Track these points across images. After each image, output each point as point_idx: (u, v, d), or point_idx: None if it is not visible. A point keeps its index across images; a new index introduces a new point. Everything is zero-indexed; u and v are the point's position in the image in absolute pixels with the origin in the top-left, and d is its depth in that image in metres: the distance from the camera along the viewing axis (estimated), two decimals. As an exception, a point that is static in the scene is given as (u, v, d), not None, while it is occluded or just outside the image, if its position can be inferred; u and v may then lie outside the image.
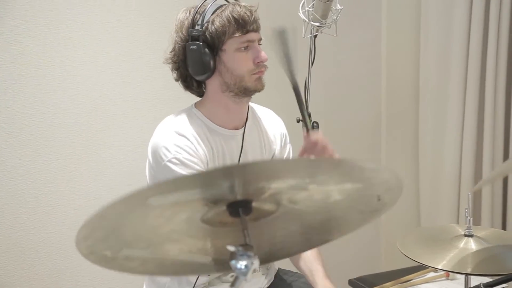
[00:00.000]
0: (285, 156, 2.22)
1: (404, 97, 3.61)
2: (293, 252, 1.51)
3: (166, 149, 1.88)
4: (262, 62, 1.95)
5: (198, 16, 1.90)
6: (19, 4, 2.43)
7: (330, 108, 3.37)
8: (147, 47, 2.71)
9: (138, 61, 2.71)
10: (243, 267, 1.18)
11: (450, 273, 2.43)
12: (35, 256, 2.55)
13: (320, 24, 2.27)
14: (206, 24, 1.88)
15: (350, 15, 3.35)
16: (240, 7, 1.91)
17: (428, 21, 3.35)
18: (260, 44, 1.98)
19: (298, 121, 2.50)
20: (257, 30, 1.95)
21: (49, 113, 2.53)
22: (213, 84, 1.97)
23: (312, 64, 2.45)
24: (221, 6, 1.92)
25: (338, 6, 2.27)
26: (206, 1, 1.93)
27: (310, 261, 2.10)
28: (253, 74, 1.95)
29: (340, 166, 1.22)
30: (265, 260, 1.46)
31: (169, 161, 1.86)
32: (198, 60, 1.89)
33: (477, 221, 3.17)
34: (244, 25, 1.90)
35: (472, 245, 1.92)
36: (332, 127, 3.33)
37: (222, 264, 1.27)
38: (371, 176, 1.25)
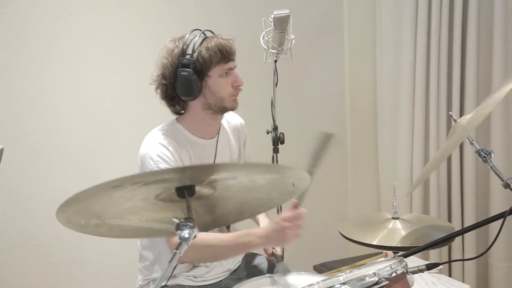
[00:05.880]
0: (245, 155, 2.36)
1: (365, 115, 3.69)
2: (230, 221, 1.62)
3: (151, 158, 1.97)
4: (239, 86, 2.08)
5: (186, 46, 1.98)
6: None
7: (300, 124, 3.45)
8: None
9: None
10: (186, 235, 1.32)
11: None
12: (50, 248, 2.66)
13: (277, 51, 2.39)
14: (194, 54, 1.97)
15: (317, 44, 3.50)
16: (223, 40, 2.02)
17: (383, 54, 3.46)
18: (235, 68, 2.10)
19: (267, 133, 2.62)
20: (234, 59, 2.07)
21: (61, 133, 2.68)
22: (196, 103, 2.05)
23: (276, 85, 2.56)
24: (206, 38, 2.01)
25: (292, 36, 2.39)
26: (192, 33, 2.02)
27: None
28: (232, 96, 2.07)
29: (261, 167, 1.37)
30: (207, 227, 1.59)
31: (151, 167, 1.96)
32: (188, 84, 1.97)
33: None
34: (227, 55, 2.01)
35: (398, 225, 2.04)
36: (304, 139, 3.42)
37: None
38: (285, 171, 1.40)
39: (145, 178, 1.34)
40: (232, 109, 2.11)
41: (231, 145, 2.25)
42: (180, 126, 2.10)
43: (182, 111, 2.13)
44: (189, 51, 1.97)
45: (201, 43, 1.99)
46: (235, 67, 2.08)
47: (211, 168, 1.39)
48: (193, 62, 1.97)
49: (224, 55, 2.00)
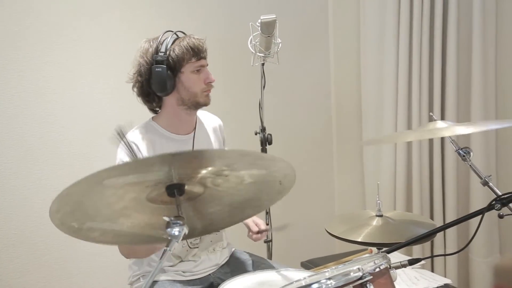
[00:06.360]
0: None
1: (350, 116, 3.69)
2: (221, 227, 1.61)
3: (119, 154, 2.05)
4: (211, 82, 2.10)
5: (160, 45, 2.03)
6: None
7: (287, 125, 3.46)
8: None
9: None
10: (176, 232, 1.31)
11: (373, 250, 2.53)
12: (45, 247, 2.66)
13: (264, 54, 2.39)
14: (168, 52, 2.01)
15: (304, 47, 3.51)
16: (195, 39, 2.06)
17: (367, 58, 3.47)
18: (207, 66, 2.13)
19: (256, 134, 2.62)
20: (206, 57, 2.10)
21: (55, 135, 2.67)
22: (171, 99, 2.09)
23: (264, 87, 2.56)
24: (178, 38, 2.06)
25: (278, 40, 2.39)
26: (165, 34, 2.06)
27: None
28: (204, 92, 2.09)
29: (247, 155, 1.34)
30: (200, 233, 1.58)
31: (118, 163, 2.02)
32: (162, 79, 2.01)
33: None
34: (198, 53, 2.05)
35: (382, 222, 2.04)
36: (291, 140, 3.44)
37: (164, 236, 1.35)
38: (270, 164, 1.37)
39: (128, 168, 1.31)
40: (205, 105, 2.14)
41: (210, 143, 2.27)
42: (155, 124, 2.15)
43: (158, 109, 2.18)
44: (163, 49, 2.02)
45: (174, 42, 2.05)
46: (207, 65, 2.13)
47: (193, 156, 1.37)
48: (167, 59, 2.01)
49: (196, 52, 2.05)
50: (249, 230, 2.22)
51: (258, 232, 2.19)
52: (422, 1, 3.15)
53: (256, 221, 2.23)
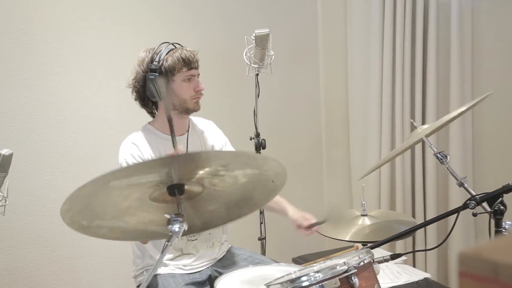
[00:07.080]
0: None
1: (338, 123, 3.72)
2: (220, 223, 1.64)
3: (122, 154, 2.11)
4: (200, 90, 2.15)
5: (155, 55, 2.08)
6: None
7: (280, 131, 3.49)
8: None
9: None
10: (176, 229, 1.34)
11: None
12: (55, 243, 2.67)
13: (258, 66, 2.43)
14: (161, 61, 2.07)
15: (295, 59, 3.55)
16: (186, 51, 2.11)
17: (353, 68, 3.51)
18: (199, 76, 2.17)
19: (250, 139, 2.66)
20: (197, 67, 2.15)
21: (64, 139, 2.69)
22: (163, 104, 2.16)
23: (258, 96, 2.60)
24: (172, 49, 2.11)
25: (272, 52, 2.43)
26: (161, 45, 2.11)
27: (281, 203, 2.30)
28: (193, 99, 2.15)
29: (240, 156, 1.37)
30: (199, 229, 1.60)
31: (121, 162, 2.09)
32: (155, 86, 2.08)
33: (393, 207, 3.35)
34: (188, 63, 2.10)
35: (366, 221, 2.08)
36: (284, 145, 3.48)
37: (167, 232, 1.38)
38: (262, 164, 1.40)
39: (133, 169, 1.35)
40: (194, 110, 2.19)
41: (202, 144, 2.30)
42: (151, 127, 2.21)
43: (153, 112, 2.23)
44: (157, 59, 2.08)
45: (168, 52, 2.09)
46: (198, 74, 2.17)
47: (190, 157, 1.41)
48: (159, 67, 2.07)
49: (187, 63, 2.10)
50: (299, 226, 2.21)
51: (309, 227, 2.17)
52: (404, 17, 3.20)
53: (306, 217, 2.21)
